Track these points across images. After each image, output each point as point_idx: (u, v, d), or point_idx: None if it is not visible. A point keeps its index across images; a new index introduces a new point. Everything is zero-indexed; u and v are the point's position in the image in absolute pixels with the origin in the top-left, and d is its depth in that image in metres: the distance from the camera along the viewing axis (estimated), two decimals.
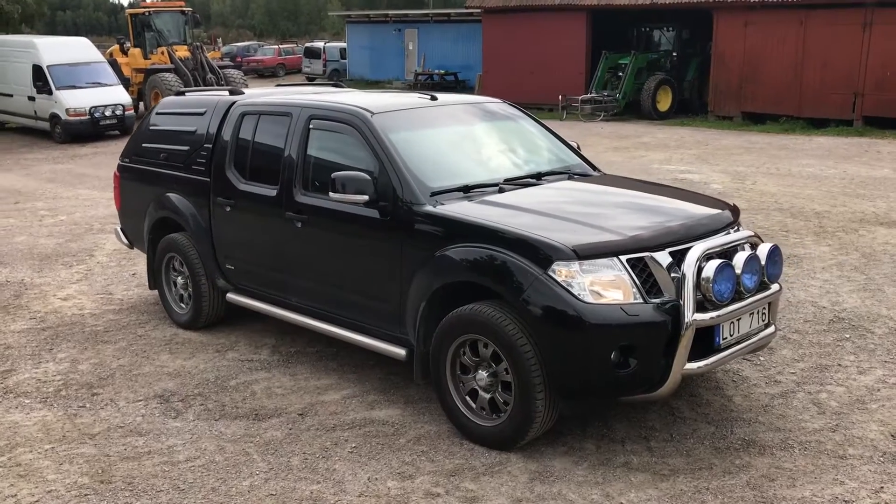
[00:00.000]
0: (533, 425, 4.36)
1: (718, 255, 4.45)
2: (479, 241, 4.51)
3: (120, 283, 8.16)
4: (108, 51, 26.24)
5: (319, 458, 4.55)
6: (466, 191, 5.02)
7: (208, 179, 6.28)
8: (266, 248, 5.89)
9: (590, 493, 4.10)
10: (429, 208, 4.81)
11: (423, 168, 5.06)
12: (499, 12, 26.13)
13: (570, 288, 4.17)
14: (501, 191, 5.08)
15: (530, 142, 5.93)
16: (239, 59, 43.39)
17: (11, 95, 21.04)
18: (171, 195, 6.62)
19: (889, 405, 4.99)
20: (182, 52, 24.02)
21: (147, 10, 25.35)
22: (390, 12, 36.58)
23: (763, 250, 4.57)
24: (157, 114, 7.13)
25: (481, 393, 4.60)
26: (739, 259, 4.39)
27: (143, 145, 7.08)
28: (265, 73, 41.72)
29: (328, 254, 5.42)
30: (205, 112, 6.48)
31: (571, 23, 24.35)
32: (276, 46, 44.93)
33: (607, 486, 4.17)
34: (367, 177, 4.95)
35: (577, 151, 6.04)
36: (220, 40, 56.90)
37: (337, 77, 37.36)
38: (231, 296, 6.35)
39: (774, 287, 4.69)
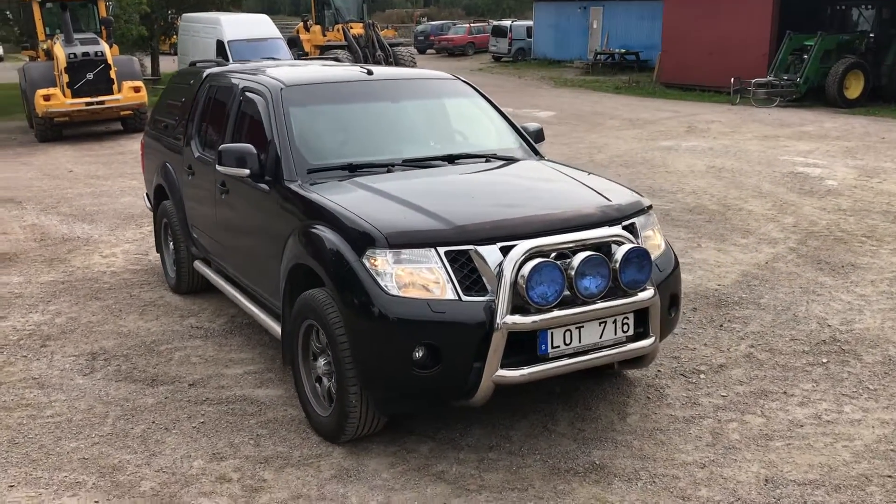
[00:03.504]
0: (349, 421, 4.11)
1: (573, 251, 3.95)
2: (320, 222, 4.29)
3: None
4: (296, 27, 27.65)
5: (161, 429, 4.56)
6: (352, 170, 4.79)
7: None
8: (209, 217, 5.96)
9: (371, 499, 3.81)
10: (294, 185, 4.64)
11: (310, 144, 4.89)
12: None
13: (378, 277, 3.87)
14: (390, 171, 4.80)
15: (465, 122, 5.55)
16: (432, 38, 44.20)
17: None
18: (167, 163, 6.87)
19: (795, 445, 4.20)
20: (357, 29, 24.84)
21: None
22: None
23: (619, 252, 3.95)
24: (170, 84, 7.40)
25: (324, 380, 4.40)
26: (575, 260, 3.84)
27: (157, 115, 7.39)
28: (455, 51, 42.03)
29: (240, 226, 5.40)
30: (192, 83, 6.65)
31: (756, 0, 22.56)
32: (468, 25, 45.14)
33: (397, 493, 3.85)
34: (251, 150, 4.84)
35: (524, 136, 5.54)
36: (424, 18, 58.43)
37: (522, 56, 37.05)
38: (196, 263, 6.50)
39: (644, 294, 4.04)
